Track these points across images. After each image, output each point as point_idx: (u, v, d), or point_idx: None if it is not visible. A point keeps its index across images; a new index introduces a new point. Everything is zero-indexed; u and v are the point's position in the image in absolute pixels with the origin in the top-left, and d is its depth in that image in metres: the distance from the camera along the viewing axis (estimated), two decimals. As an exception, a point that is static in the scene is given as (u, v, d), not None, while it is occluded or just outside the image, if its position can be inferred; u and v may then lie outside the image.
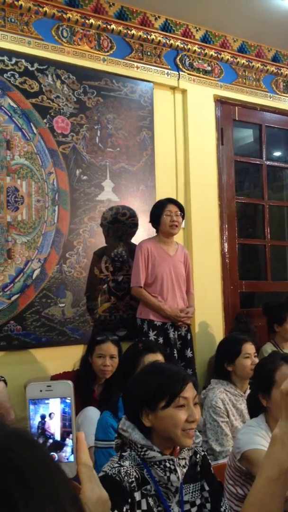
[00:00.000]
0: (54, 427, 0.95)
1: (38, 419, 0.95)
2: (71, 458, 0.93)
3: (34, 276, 3.65)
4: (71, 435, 0.95)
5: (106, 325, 3.93)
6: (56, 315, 3.73)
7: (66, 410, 0.96)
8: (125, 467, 1.52)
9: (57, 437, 0.94)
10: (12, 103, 3.65)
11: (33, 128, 3.73)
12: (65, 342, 3.76)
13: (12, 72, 3.67)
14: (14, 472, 0.48)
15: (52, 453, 0.93)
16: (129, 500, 1.49)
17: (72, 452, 0.94)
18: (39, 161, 3.74)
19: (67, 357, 3.71)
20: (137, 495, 1.51)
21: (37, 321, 3.65)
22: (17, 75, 3.69)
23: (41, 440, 0.94)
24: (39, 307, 3.66)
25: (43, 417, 0.95)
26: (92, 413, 2.95)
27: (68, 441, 0.94)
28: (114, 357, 3.16)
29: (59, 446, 0.94)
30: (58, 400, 0.96)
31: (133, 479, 1.50)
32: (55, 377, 3.38)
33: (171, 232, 3.85)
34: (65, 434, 0.94)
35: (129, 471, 1.51)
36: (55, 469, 0.53)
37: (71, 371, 3.42)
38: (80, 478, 0.91)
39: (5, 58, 3.65)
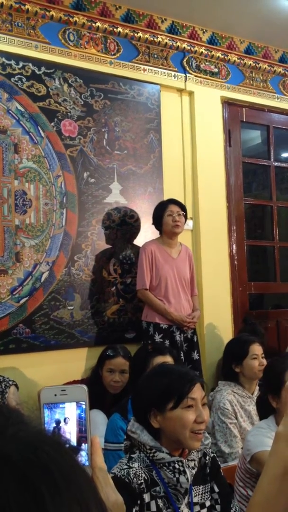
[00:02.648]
0: (70, 432, 0.94)
1: (53, 424, 0.94)
2: (87, 463, 0.92)
3: (42, 279, 3.66)
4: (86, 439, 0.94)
5: (114, 327, 3.93)
6: (65, 318, 3.74)
7: (82, 415, 0.95)
8: (134, 469, 1.52)
9: (73, 442, 0.93)
10: (19, 107, 3.67)
11: (41, 131, 3.74)
12: (74, 345, 3.76)
13: (19, 76, 3.69)
14: (42, 470, 0.48)
15: None
16: (138, 502, 1.49)
17: (88, 457, 0.93)
18: (47, 164, 3.75)
19: (76, 360, 3.72)
20: (146, 497, 1.51)
21: (46, 324, 3.66)
22: (24, 79, 3.70)
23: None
24: (47, 310, 3.67)
25: (58, 422, 0.94)
26: (97, 416, 2.94)
27: (84, 446, 0.93)
28: (125, 372, 3.09)
29: (74, 450, 0.93)
30: (74, 404, 0.94)
31: (142, 481, 1.50)
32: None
33: (174, 231, 3.84)
34: (81, 439, 0.93)
35: (138, 473, 1.51)
36: (81, 471, 0.53)
37: (80, 380, 3.40)
38: (95, 483, 0.89)
39: (13, 62, 3.67)
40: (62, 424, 0.94)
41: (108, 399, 3.12)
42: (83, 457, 0.93)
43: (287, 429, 1.16)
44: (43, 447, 0.51)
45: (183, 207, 3.88)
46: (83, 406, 0.95)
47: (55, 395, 0.95)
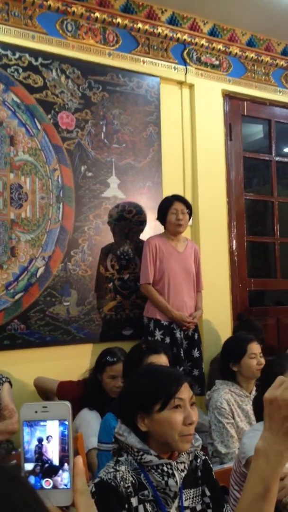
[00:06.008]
0: (52, 451, 0.89)
1: (35, 442, 0.89)
2: (68, 485, 0.88)
3: (38, 274, 3.60)
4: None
5: (112, 324, 3.87)
6: (61, 314, 3.68)
7: (65, 433, 0.89)
8: (120, 472, 1.46)
9: (55, 462, 0.88)
10: (15, 98, 3.60)
11: (37, 123, 3.67)
12: (70, 341, 3.71)
13: (15, 67, 3.61)
14: None
15: (46, 479, 0.87)
16: (126, 506, 1.43)
17: (69, 478, 0.88)
18: (43, 157, 3.68)
19: (72, 357, 3.67)
20: (134, 501, 1.45)
21: (42, 320, 3.60)
22: (20, 70, 3.63)
23: (35, 467, 0.88)
24: (43, 306, 3.61)
25: (40, 440, 0.89)
26: (89, 415, 2.89)
27: (66, 466, 0.88)
28: None
29: (54, 470, 0.88)
30: (57, 422, 0.90)
31: (129, 484, 1.45)
32: (62, 384, 3.29)
33: (177, 230, 3.81)
34: (63, 458, 0.88)
35: (125, 476, 1.45)
36: (35, 502, 0.48)
37: (76, 381, 3.33)
38: (76, 506, 0.86)
39: (9, 52, 3.59)
40: (44, 442, 0.89)
41: (106, 402, 3.06)
42: (64, 479, 0.88)
43: (266, 445, 1.07)
44: None
45: (188, 205, 3.83)
46: (66, 424, 0.90)
47: (36, 411, 0.90)
